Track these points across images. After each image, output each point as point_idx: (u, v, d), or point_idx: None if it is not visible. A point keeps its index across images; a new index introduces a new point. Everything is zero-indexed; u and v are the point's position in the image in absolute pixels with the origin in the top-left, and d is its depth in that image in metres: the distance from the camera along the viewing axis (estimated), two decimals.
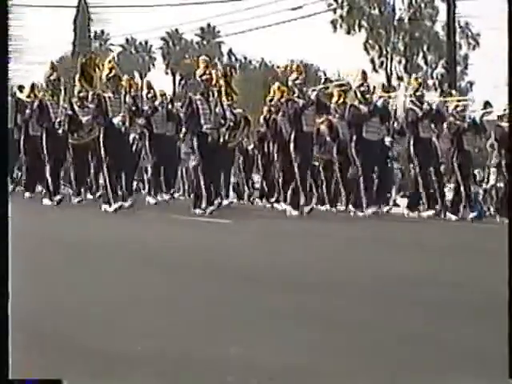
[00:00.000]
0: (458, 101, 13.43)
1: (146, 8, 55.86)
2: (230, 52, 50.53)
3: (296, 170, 12.08)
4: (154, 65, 50.76)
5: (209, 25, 49.86)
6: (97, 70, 12.00)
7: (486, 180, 16.02)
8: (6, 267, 2.60)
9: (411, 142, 12.66)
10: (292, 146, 12.12)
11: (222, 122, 12.10)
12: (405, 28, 43.21)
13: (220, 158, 12.02)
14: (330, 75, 34.67)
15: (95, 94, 11.75)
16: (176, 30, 49.45)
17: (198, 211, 11.31)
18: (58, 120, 13.11)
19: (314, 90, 12.52)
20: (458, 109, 12.99)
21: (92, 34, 48.98)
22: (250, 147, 16.73)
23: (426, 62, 42.89)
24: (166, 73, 49.55)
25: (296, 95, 12.18)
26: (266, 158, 14.53)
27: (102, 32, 50.03)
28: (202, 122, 11.58)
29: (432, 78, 15.57)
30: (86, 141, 13.15)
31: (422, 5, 43.25)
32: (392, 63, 42.98)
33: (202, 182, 11.45)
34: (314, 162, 13.18)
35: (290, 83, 12.39)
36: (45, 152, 13.15)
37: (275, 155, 13.37)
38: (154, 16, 55.76)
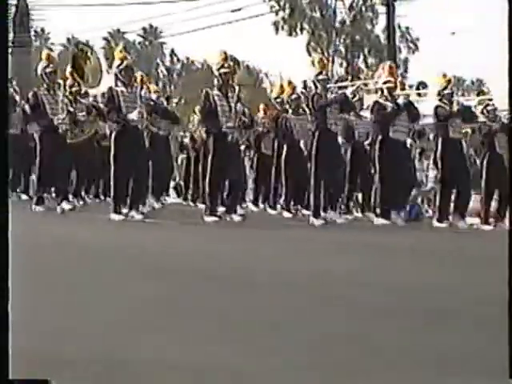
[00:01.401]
0: (490, 100, 12.34)
1: (88, 7, 55.41)
2: (173, 53, 50.45)
3: (323, 173, 10.99)
4: None
5: (151, 25, 49.72)
6: (87, 62, 11.06)
7: (425, 182, 15.84)
8: (6, 267, 2.66)
9: (439, 144, 11.53)
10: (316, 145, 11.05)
11: (246, 120, 11.32)
12: (346, 31, 43.58)
13: (239, 161, 11.17)
14: (272, 78, 34.86)
15: (108, 88, 10.54)
16: (118, 29, 49.20)
17: (210, 219, 10.36)
18: (59, 117, 11.64)
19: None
20: (489, 108, 12.06)
21: (32, 33, 48.42)
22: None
23: (366, 65, 43.31)
24: (108, 72, 49.16)
25: (318, 92, 11.16)
26: (266, 160, 13.92)
27: (43, 30, 49.55)
28: (221, 120, 10.55)
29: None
30: (80, 140, 12.26)
31: (363, 8, 43.68)
32: (333, 66, 43.31)
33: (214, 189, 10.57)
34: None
35: (312, 79, 11.34)
36: (40, 154, 11.50)
37: (286, 156, 12.87)
38: (95, 15, 55.51)
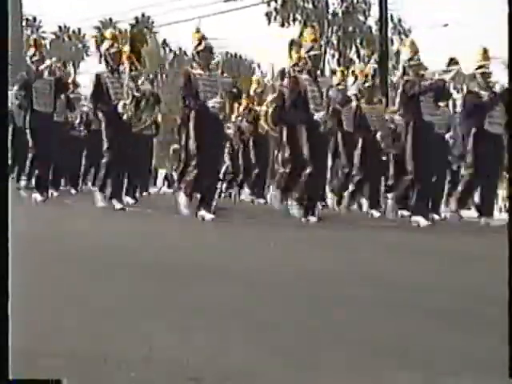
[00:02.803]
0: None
1: None
2: (165, 43, 50.36)
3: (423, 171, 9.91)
4: (87, 53, 50.29)
5: (143, 14, 49.58)
6: (144, 45, 10.52)
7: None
8: (6, 267, 2.67)
9: (471, 136, 10.31)
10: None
11: (338, 107, 10.54)
12: (338, 22, 43.59)
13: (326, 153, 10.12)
14: (265, 68, 34.87)
15: (183, 70, 9.83)
16: (110, 19, 49.02)
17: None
18: (123, 103, 10.39)
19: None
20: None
21: (24, 22, 48.28)
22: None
23: (358, 57, 43.33)
24: (100, 62, 49.09)
25: (411, 77, 9.98)
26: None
27: (34, 19, 49.40)
28: (312, 108, 9.63)
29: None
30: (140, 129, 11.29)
31: (355, 0, 43.70)
32: (325, 57, 43.30)
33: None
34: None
35: (402, 64, 10.24)
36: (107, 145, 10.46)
37: (362, 152, 11.82)
38: (87, 4, 55.30)
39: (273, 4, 42.98)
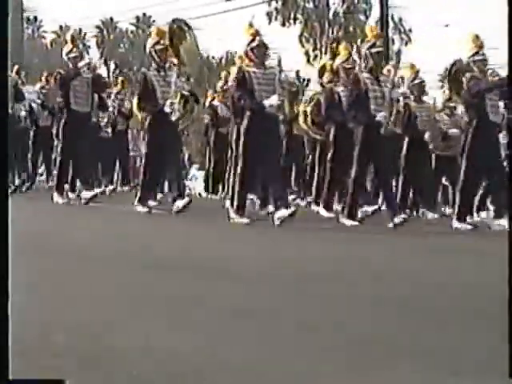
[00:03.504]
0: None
1: None
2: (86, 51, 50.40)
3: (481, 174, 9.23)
4: (88, 53, 50.30)
5: (144, 14, 49.63)
6: (183, 42, 9.86)
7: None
8: (6, 267, 2.67)
9: (472, 128, 9.42)
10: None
11: (401, 109, 9.88)
12: (339, 22, 43.60)
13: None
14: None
15: (238, 68, 9.13)
16: (111, 18, 49.09)
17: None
18: (170, 102, 9.86)
19: None
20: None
21: (24, 21, 48.31)
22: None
23: (359, 56, 43.34)
24: (100, 61, 49.21)
25: (475, 75, 9.16)
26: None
27: (35, 18, 49.41)
28: (373, 108, 9.11)
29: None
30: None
31: (356, 0, 43.72)
32: (326, 56, 43.30)
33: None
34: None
35: (467, 60, 9.34)
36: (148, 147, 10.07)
37: (407, 153, 11.09)
38: (88, 4, 55.34)
39: (273, 3, 42.99)
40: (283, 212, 8.57)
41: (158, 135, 9.81)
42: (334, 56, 11.19)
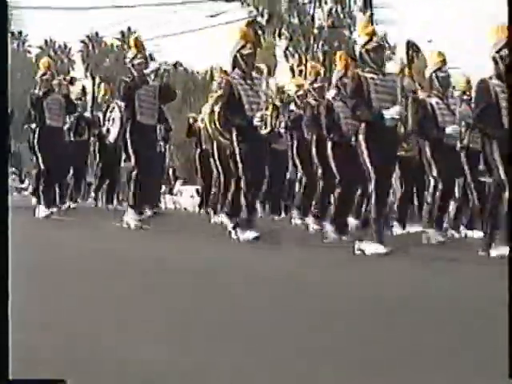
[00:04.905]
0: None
1: (66, 10, 55.26)
2: (150, 56, 50.42)
3: None
4: (73, 68, 50.28)
5: (129, 28, 49.65)
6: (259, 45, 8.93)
7: None
8: (6, 267, 2.67)
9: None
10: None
11: (470, 122, 8.71)
12: (324, 37, 43.81)
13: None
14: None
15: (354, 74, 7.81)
16: (96, 33, 49.12)
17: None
18: (260, 114, 8.66)
19: None
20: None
21: (9, 35, 48.33)
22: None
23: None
24: (86, 76, 49.14)
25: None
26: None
27: (20, 33, 49.39)
28: (440, 123, 8.90)
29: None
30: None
31: (341, 15, 43.92)
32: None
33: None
34: None
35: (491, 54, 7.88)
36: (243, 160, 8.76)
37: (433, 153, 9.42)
38: (73, 18, 55.42)
39: (259, 19, 43.12)
40: None
41: (247, 154, 8.63)
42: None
